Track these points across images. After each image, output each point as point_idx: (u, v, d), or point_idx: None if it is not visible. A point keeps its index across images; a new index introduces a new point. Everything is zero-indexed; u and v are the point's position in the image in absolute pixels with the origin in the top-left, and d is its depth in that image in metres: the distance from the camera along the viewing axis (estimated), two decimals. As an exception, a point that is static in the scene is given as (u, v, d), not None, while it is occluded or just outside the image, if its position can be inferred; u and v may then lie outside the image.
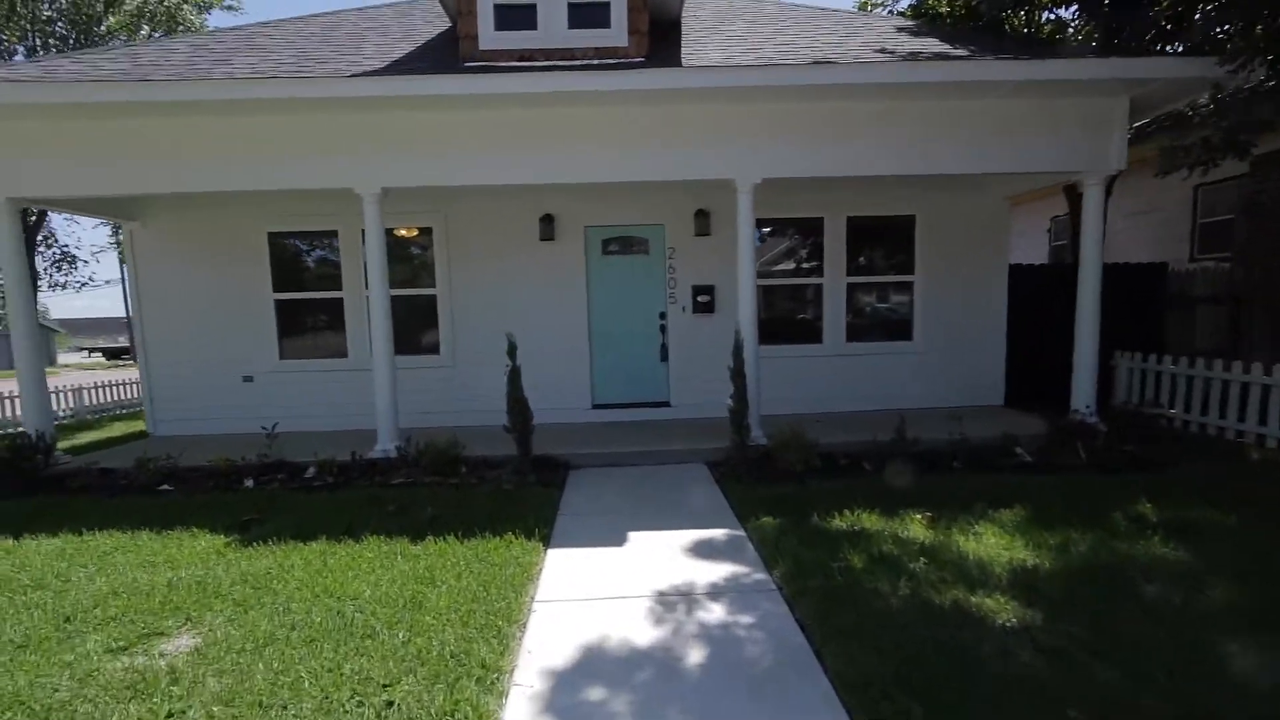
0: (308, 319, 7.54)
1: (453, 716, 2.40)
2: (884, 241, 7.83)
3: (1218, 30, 7.00)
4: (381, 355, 5.99)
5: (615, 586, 3.50)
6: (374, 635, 2.96)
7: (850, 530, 4.15)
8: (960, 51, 5.67)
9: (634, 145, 5.84)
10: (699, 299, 7.46)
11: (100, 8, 10.56)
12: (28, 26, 10.22)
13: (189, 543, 4.14)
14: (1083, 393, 6.43)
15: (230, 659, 2.80)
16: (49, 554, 3.98)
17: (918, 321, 7.84)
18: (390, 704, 2.49)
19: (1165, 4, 8.27)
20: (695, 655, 2.82)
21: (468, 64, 5.87)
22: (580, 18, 5.90)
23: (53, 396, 11.87)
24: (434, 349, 7.52)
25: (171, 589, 3.47)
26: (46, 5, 10.51)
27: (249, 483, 5.43)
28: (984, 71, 5.41)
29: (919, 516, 4.39)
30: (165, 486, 5.37)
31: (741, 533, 4.26)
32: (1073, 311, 6.53)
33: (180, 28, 12.42)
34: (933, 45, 5.98)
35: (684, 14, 7.09)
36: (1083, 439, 5.90)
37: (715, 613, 3.20)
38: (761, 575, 3.61)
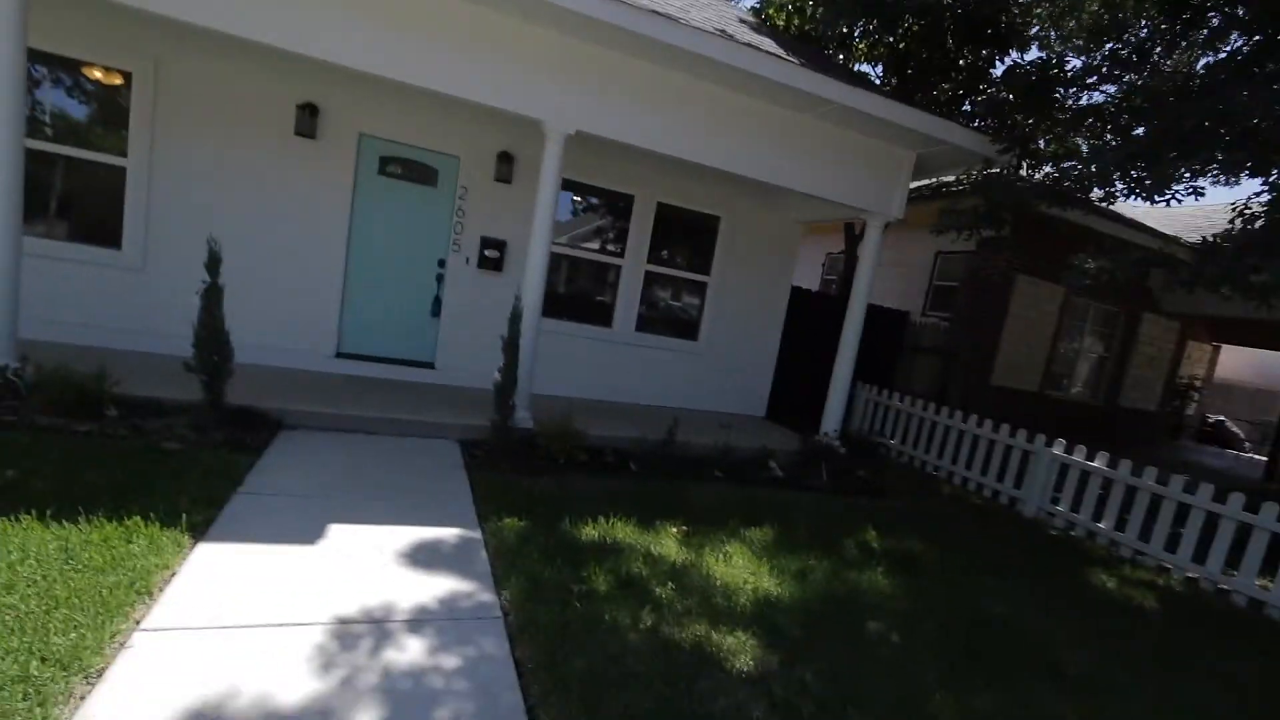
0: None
1: None
2: (688, 236, 7.66)
3: (985, 122, 8.03)
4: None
5: (280, 607, 2.54)
6: None
7: (601, 542, 3.69)
8: (795, 60, 5.55)
9: (437, 44, 4.69)
10: (487, 253, 6.52)
11: None
12: None
13: None
14: (833, 416, 6.89)
15: None
16: None
17: (704, 323, 7.83)
18: None
19: (947, 87, 9.39)
20: (364, 722, 2.04)
21: None
22: None
23: None
24: (115, 241, 5.51)
25: None
26: None
27: None
28: (821, 86, 5.32)
29: (675, 530, 4.10)
30: None
31: (478, 535, 3.55)
32: (833, 339, 6.97)
33: None
34: (770, 45, 5.81)
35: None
36: (827, 460, 6.27)
37: (411, 651, 2.44)
38: (488, 597, 2.93)
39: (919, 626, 3.42)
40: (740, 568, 3.74)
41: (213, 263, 4.00)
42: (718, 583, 3.47)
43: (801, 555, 4.08)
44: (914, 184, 7.47)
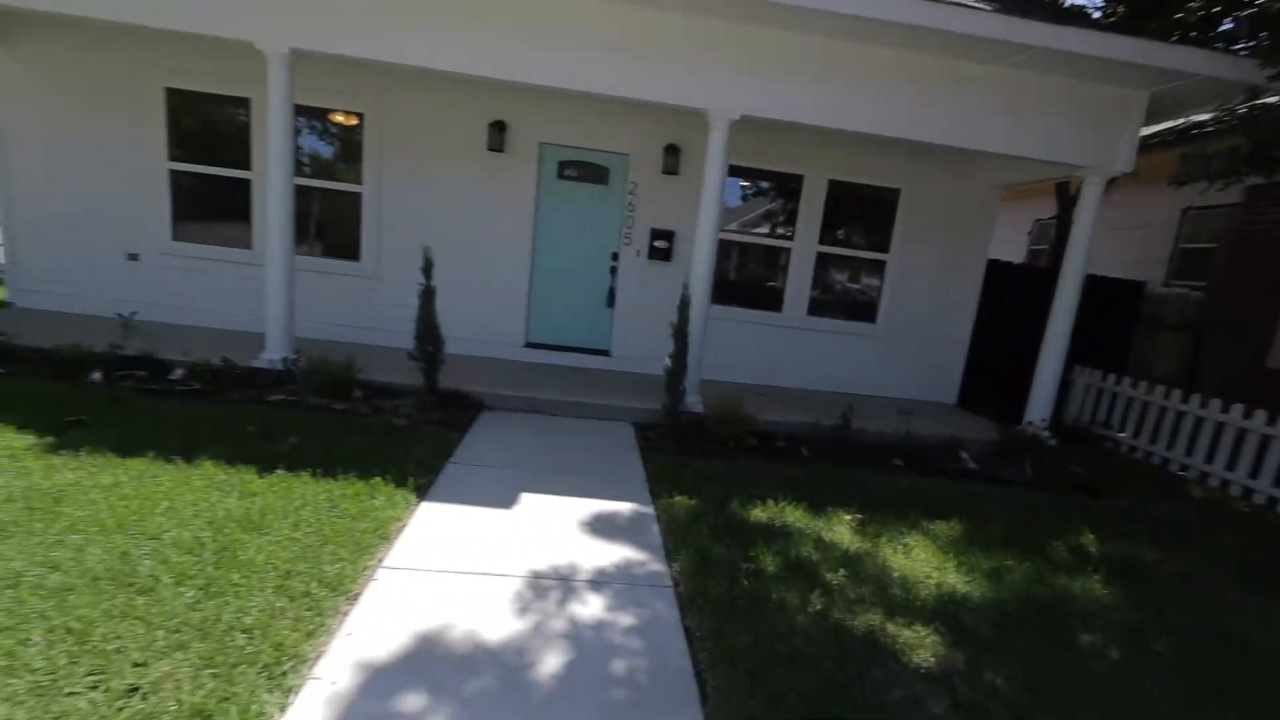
0: (209, 198, 6.54)
1: (209, 720, 1.83)
2: (863, 213, 7.23)
3: (1253, 40, 6.47)
4: (277, 250, 5.16)
5: (485, 559, 2.95)
6: (153, 591, 2.34)
7: (770, 524, 3.68)
8: (985, 6, 4.97)
9: (601, 50, 4.99)
10: (656, 244, 6.77)
11: None
12: None
13: (-20, 440, 3.40)
14: (1040, 404, 6.10)
15: (-54, 604, 2.15)
16: None
17: (884, 304, 7.35)
18: (134, 690, 1.90)
19: (1196, 6, 7.71)
20: (552, 663, 2.30)
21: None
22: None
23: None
24: (355, 254, 6.68)
25: (-77, 497, 2.76)
26: None
27: (96, 376, 4.63)
28: (1019, 30, 4.72)
29: (848, 517, 3.96)
30: (-10, 367, 4.55)
31: (650, 510, 3.75)
32: (1041, 316, 6.14)
33: None
34: (955, -7, 5.25)
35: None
36: (1032, 453, 5.58)
37: (593, 607, 2.68)
38: (659, 566, 3.11)
39: (1147, 643, 2.95)
40: (921, 561, 3.50)
41: (427, 268, 4.67)
42: (895, 574, 3.30)
43: (996, 553, 3.71)
44: (1149, 129, 6.30)
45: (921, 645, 2.68)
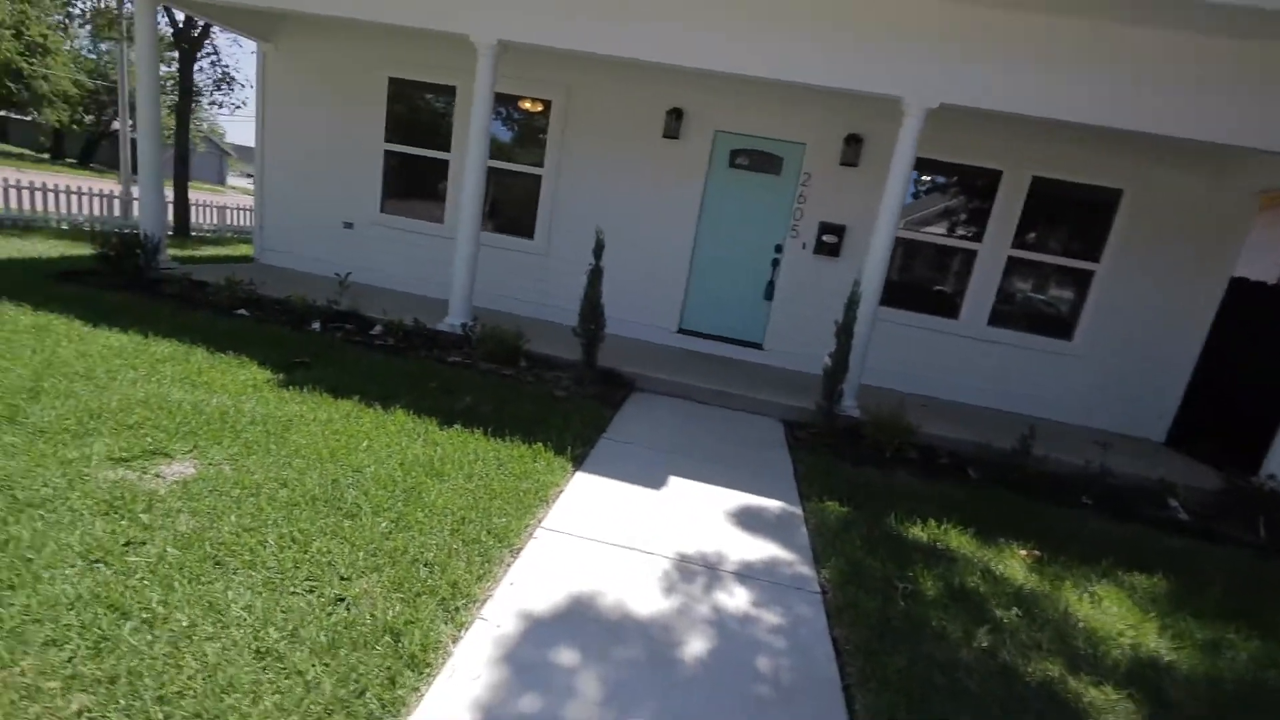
0: (413, 176, 7.33)
1: (398, 638, 2.06)
2: (1070, 215, 6.38)
3: None
4: (467, 226, 5.65)
5: (635, 534, 3.03)
6: (356, 517, 2.68)
7: (930, 545, 3.41)
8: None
9: (789, 34, 4.83)
10: (824, 238, 6.48)
11: None
12: None
13: (234, 371, 4.10)
14: (1285, 454, 5.03)
15: (210, 501, 2.62)
16: (110, 349, 4.05)
17: (1085, 319, 6.45)
18: (340, 600, 2.19)
19: None
20: (696, 645, 2.31)
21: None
22: None
23: (202, 210, 12.92)
24: (530, 233, 7.14)
25: (196, 412, 3.38)
26: None
27: (315, 325, 5.41)
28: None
29: (1023, 551, 3.55)
30: (242, 311, 5.46)
31: (799, 511, 3.63)
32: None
33: None
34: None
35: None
36: (1269, 512, 4.63)
37: (738, 598, 2.66)
38: (806, 570, 3.00)
39: None
40: (1113, 615, 3.05)
41: (598, 249, 4.85)
42: (1079, 624, 2.90)
43: (1215, 623, 3.13)
44: None
45: (1110, 710, 2.34)
